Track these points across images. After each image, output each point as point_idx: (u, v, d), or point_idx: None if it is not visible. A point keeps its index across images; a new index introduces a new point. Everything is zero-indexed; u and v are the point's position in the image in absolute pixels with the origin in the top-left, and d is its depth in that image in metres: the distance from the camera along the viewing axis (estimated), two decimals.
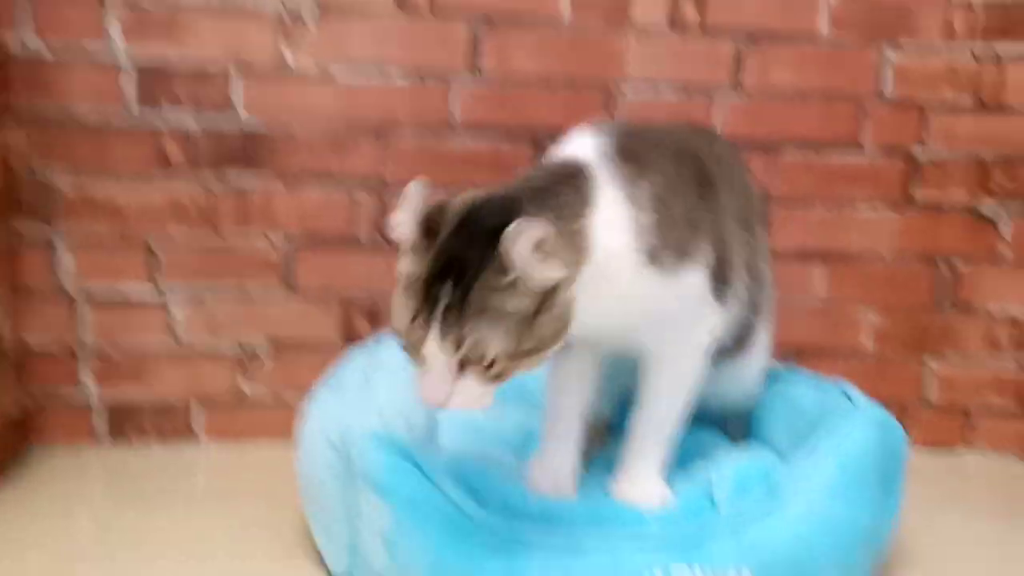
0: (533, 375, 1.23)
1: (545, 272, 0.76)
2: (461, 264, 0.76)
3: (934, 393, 1.47)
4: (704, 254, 0.92)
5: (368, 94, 1.33)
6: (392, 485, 0.86)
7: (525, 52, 1.34)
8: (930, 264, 1.43)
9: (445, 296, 0.75)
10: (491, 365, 0.77)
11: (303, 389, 1.10)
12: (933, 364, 1.46)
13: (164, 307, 1.33)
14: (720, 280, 0.95)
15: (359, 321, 1.36)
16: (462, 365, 0.76)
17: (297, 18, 1.29)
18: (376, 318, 1.36)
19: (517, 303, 0.76)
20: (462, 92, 1.34)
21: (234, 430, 1.36)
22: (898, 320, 1.45)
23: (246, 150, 1.31)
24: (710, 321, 0.96)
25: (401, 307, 0.78)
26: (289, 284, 1.35)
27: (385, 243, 1.34)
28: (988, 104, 1.40)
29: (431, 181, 0.80)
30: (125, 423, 1.35)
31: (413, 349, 0.78)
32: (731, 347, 1.03)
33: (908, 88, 1.40)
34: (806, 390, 1.13)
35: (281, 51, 1.30)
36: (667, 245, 0.88)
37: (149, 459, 1.31)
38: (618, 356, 1.00)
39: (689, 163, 0.95)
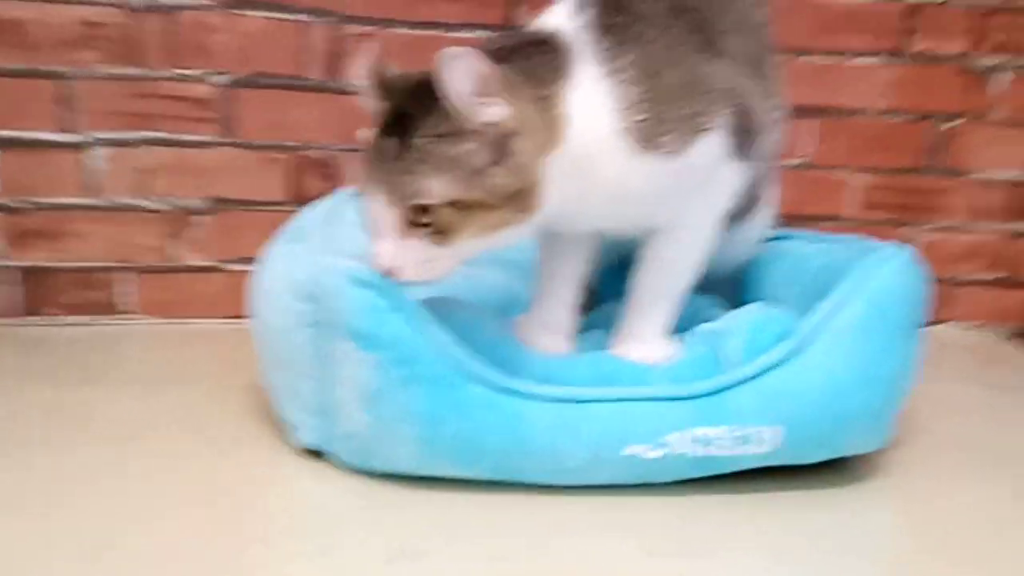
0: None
1: (485, 110, 0.71)
2: (410, 118, 0.73)
3: None
4: (717, 117, 0.81)
5: None
6: (375, 330, 0.74)
7: None
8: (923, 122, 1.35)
9: (391, 150, 0.72)
10: (437, 220, 0.72)
11: (246, 256, 0.95)
12: (917, 233, 1.38)
13: (81, 153, 1.14)
14: (743, 136, 0.84)
15: (310, 178, 1.20)
16: (410, 224, 0.72)
17: None
18: (330, 174, 1.21)
19: (462, 149, 0.72)
20: None
21: (166, 300, 1.21)
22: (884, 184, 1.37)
23: None
24: (732, 183, 0.86)
25: (360, 173, 0.76)
26: (229, 131, 1.17)
27: (341, 87, 1.18)
28: None
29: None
30: (41, 292, 1.17)
31: (369, 214, 0.74)
32: (743, 208, 0.93)
33: None
34: (807, 244, 1.04)
35: None
36: (666, 122, 0.78)
37: (69, 334, 1.15)
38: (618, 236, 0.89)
39: (684, 16, 0.83)
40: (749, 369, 0.79)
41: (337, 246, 0.84)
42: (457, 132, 0.71)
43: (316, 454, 0.81)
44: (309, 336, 0.78)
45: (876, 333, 0.81)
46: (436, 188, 0.71)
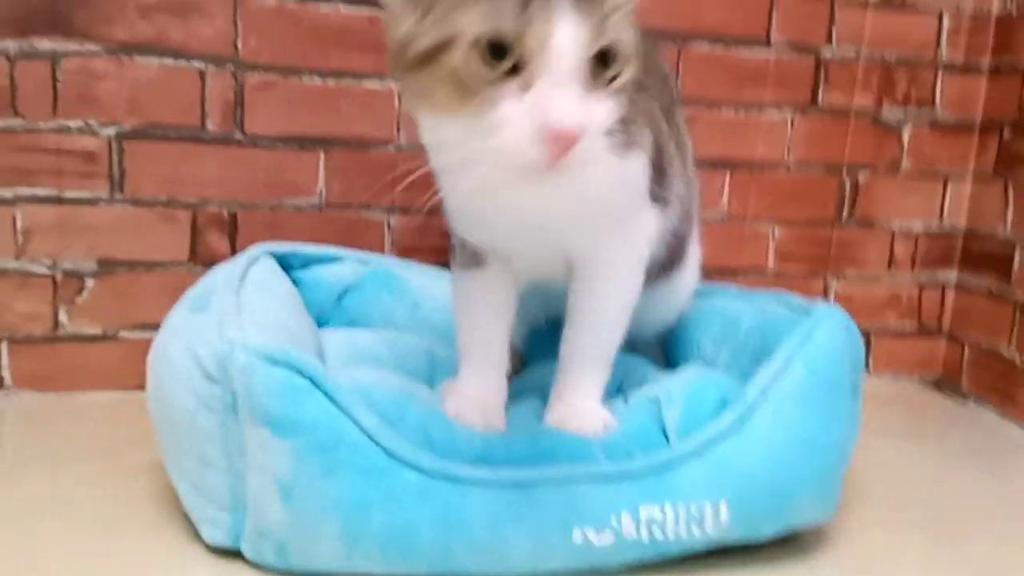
0: (431, 298, 1.09)
1: None
2: None
3: None
4: (645, 139, 0.77)
5: None
6: (292, 413, 0.66)
7: None
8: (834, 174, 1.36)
9: None
10: (619, 75, 0.59)
11: (142, 324, 0.85)
12: (834, 282, 1.39)
13: None
14: (658, 174, 0.81)
15: (212, 235, 1.11)
16: (594, 75, 0.57)
17: None
18: (235, 232, 1.12)
19: None
20: None
21: (53, 374, 1.08)
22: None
23: (57, 9, 1.01)
24: (648, 225, 0.82)
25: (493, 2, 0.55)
26: (118, 186, 1.07)
27: (241, 135, 1.10)
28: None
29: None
30: None
31: (535, 39, 0.55)
32: (665, 262, 0.91)
33: None
34: (736, 302, 1.02)
35: None
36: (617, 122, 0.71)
37: None
38: (539, 276, 0.85)
39: None
40: (692, 442, 0.76)
41: (246, 316, 0.76)
42: None
43: (229, 552, 0.72)
44: (216, 421, 0.69)
45: (818, 399, 0.79)
46: (628, 34, 0.59)
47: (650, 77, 0.83)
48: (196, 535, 0.74)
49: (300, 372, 0.66)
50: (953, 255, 1.41)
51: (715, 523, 0.73)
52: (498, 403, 0.83)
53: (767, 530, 0.77)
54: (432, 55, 0.57)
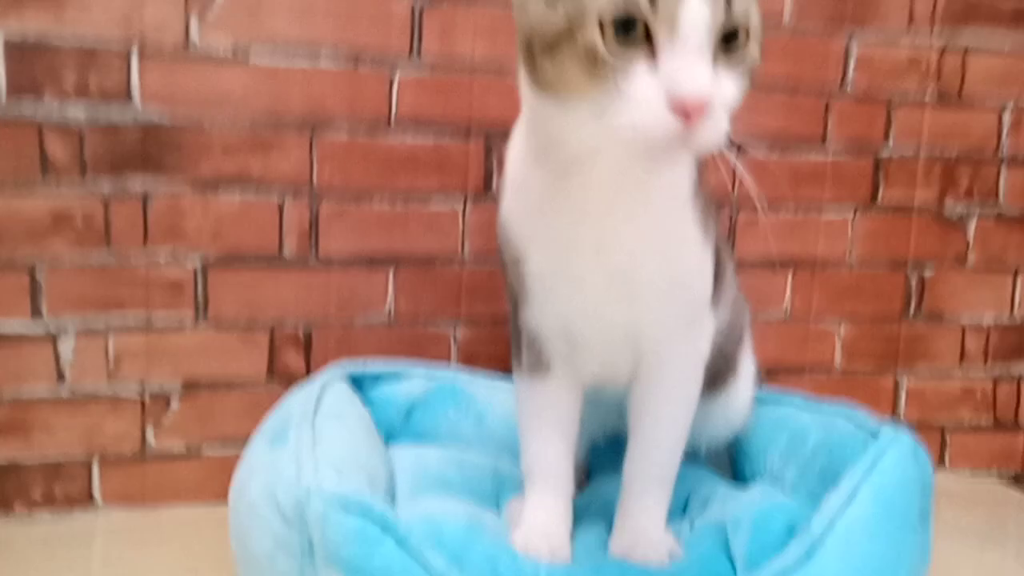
0: (495, 410, 1.11)
1: None
2: None
3: (907, 411, 1.38)
4: (713, 232, 0.80)
5: (293, 79, 1.13)
6: (362, 558, 0.69)
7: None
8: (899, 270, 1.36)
9: None
10: (747, 51, 0.60)
11: (224, 438, 0.90)
12: (905, 378, 1.38)
13: (51, 343, 1.09)
14: (715, 276, 0.83)
15: (288, 353, 1.17)
16: (724, 50, 0.59)
17: None
18: (310, 349, 1.17)
19: None
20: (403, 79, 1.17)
21: (140, 491, 1.14)
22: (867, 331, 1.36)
23: (146, 149, 1.09)
24: (710, 325, 0.84)
25: None
26: (203, 311, 1.14)
27: (316, 259, 1.16)
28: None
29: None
30: (8, 487, 1.10)
31: (665, 13, 0.57)
32: (715, 373, 0.92)
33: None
34: (803, 414, 1.02)
35: (188, 27, 1.09)
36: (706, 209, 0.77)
37: (39, 529, 1.07)
38: (603, 378, 0.86)
39: None
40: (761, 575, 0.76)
41: (321, 453, 0.80)
42: None
43: None
44: (294, 564, 0.72)
45: (886, 531, 0.78)
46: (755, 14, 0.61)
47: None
48: None
49: (372, 519, 0.69)
50: None
51: None
52: (564, 532, 0.84)
53: None
54: (562, 37, 0.59)
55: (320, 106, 1.14)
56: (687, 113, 0.56)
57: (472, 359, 1.22)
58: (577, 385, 0.86)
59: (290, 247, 1.15)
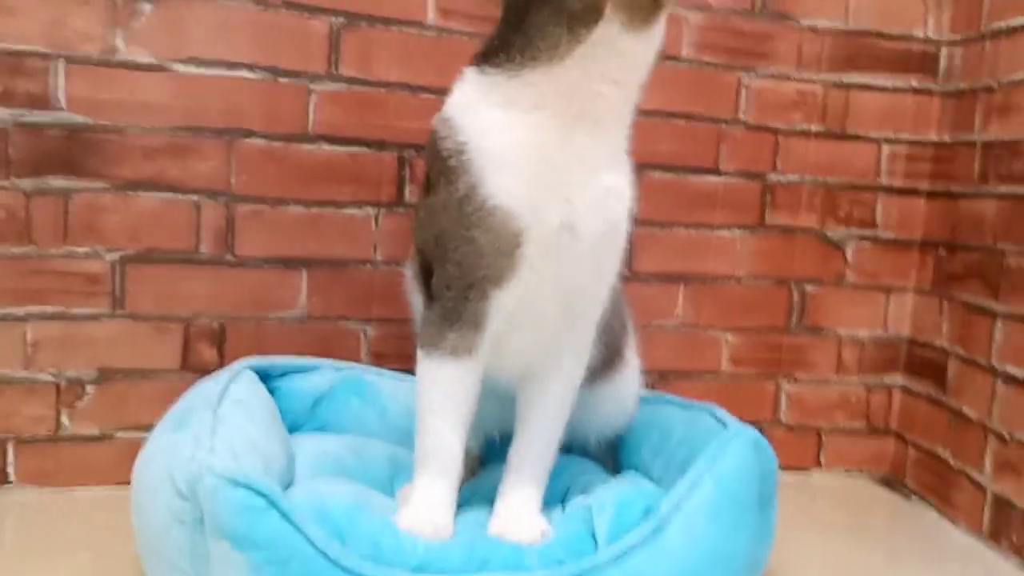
0: (400, 403, 1.19)
1: None
2: None
3: (787, 414, 1.50)
4: None
5: (213, 89, 1.20)
6: (246, 530, 0.76)
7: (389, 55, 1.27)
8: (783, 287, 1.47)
9: None
10: None
11: (137, 425, 0.97)
12: (786, 384, 1.49)
13: None
14: None
15: (202, 347, 1.23)
16: None
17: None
18: (223, 343, 1.24)
19: None
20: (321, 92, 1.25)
21: (54, 471, 1.19)
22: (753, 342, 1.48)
23: (70, 151, 1.16)
24: (593, 331, 0.95)
25: None
26: (119, 304, 1.20)
27: (231, 258, 1.22)
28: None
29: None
30: None
31: None
32: (599, 368, 1.02)
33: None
34: (674, 412, 1.12)
35: (112, 38, 1.16)
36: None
37: None
38: (519, 367, 0.95)
39: None
40: (612, 551, 0.84)
41: (219, 438, 0.86)
42: None
43: None
44: (185, 533, 0.79)
45: (726, 514, 0.88)
46: None
47: None
48: None
49: (258, 492, 0.76)
50: (898, 361, 1.51)
51: None
52: (448, 512, 0.91)
53: None
54: None
55: (239, 114, 1.21)
56: None
57: (381, 358, 1.30)
58: (481, 374, 0.91)
59: (206, 246, 1.22)
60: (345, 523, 0.83)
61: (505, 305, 0.87)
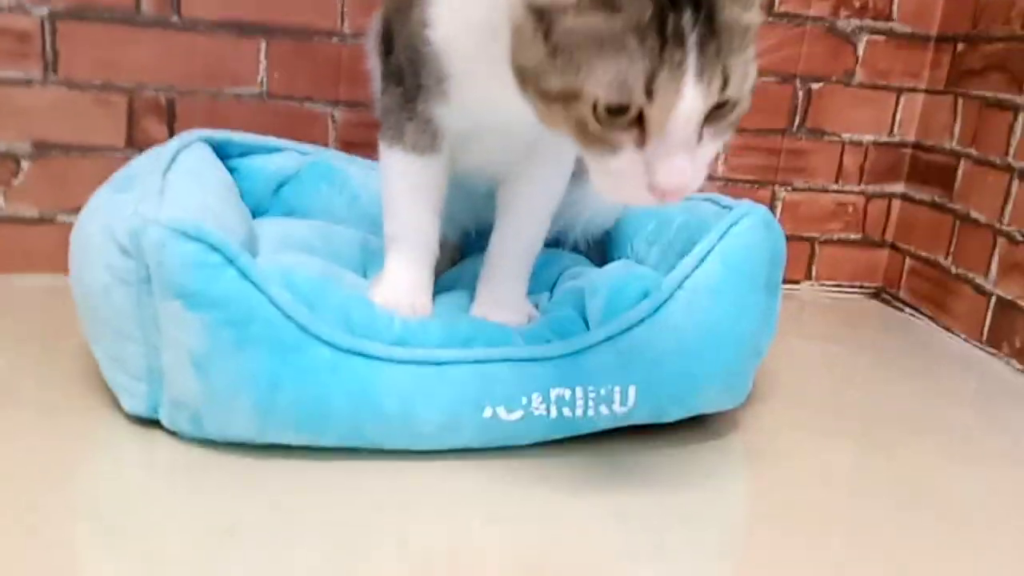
0: (370, 191, 1.08)
1: None
2: None
3: (782, 221, 1.40)
4: None
5: None
6: (203, 287, 0.67)
7: None
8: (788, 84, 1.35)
9: (690, 26, 0.54)
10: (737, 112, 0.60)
11: (78, 207, 0.85)
12: (782, 190, 1.40)
13: None
14: None
15: (149, 123, 1.10)
16: (711, 120, 0.58)
17: None
18: (173, 118, 1.11)
19: (750, 17, 0.59)
20: None
21: None
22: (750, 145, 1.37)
23: None
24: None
25: (620, 69, 0.55)
26: (51, 67, 1.05)
27: (177, 19, 1.08)
28: None
29: None
30: None
31: (658, 111, 0.56)
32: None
33: None
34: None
35: None
36: None
37: None
38: (492, 163, 0.85)
39: None
40: (607, 329, 0.77)
41: (168, 197, 0.76)
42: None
43: (149, 421, 0.74)
44: (131, 294, 0.70)
45: (731, 292, 0.80)
46: (750, 71, 0.60)
47: None
48: (119, 407, 0.75)
49: (213, 247, 0.67)
50: (901, 168, 1.42)
51: (623, 404, 0.76)
52: (426, 294, 0.84)
53: (674, 413, 0.80)
54: (558, 98, 0.59)
55: None
56: (663, 197, 0.59)
57: (351, 146, 1.18)
58: (446, 167, 0.83)
59: (148, 4, 1.07)
60: (313, 294, 0.74)
61: (439, 118, 0.78)
